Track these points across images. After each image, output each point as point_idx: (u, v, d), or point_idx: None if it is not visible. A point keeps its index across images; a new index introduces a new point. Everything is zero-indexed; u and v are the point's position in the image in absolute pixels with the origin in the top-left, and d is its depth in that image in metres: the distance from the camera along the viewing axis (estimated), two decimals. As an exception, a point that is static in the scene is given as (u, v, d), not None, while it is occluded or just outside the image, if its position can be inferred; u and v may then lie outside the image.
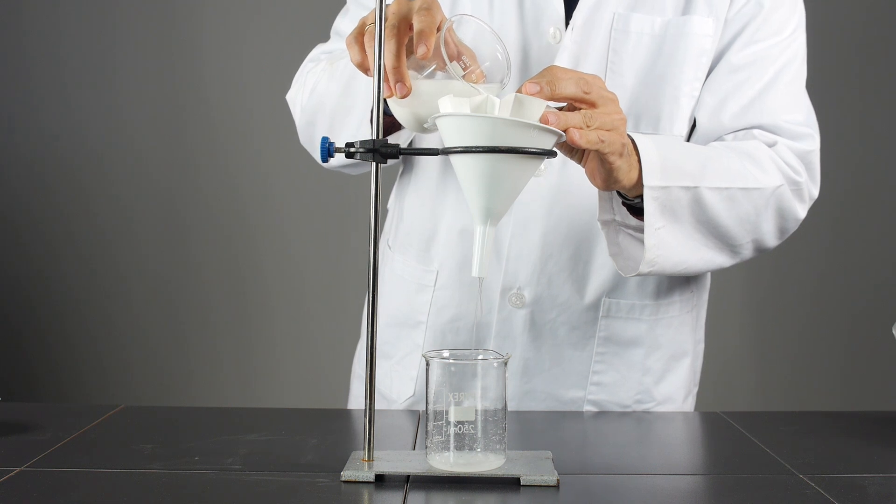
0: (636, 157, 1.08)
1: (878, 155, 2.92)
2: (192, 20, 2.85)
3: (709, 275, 1.39)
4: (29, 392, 2.86)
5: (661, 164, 1.09)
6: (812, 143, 1.25)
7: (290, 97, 1.35)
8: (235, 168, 2.86)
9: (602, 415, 1.28)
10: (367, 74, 1.05)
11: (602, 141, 0.97)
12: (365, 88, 1.18)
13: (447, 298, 1.31)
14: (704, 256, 1.18)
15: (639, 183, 1.08)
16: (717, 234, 1.17)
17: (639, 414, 1.30)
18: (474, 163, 0.91)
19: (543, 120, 0.91)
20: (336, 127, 1.24)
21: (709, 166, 1.15)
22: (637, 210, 1.14)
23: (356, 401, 1.43)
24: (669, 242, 1.13)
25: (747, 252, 1.22)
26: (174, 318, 2.89)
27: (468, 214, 1.26)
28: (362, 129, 1.20)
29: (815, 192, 1.26)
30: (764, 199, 1.18)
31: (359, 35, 1.02)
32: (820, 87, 2.94)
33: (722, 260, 1.21)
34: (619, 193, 1.14)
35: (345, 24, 1.35)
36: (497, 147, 0.90)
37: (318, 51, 1.38)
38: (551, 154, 0.93)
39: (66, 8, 2.82)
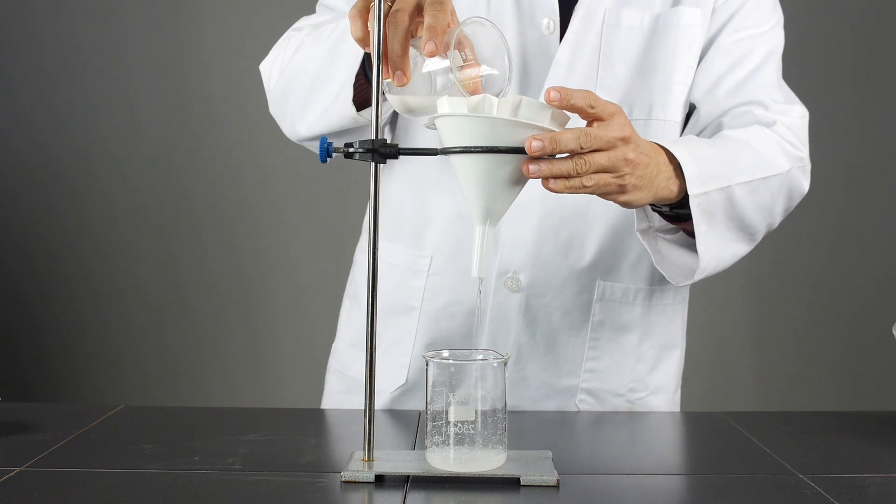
0: (671, 170, 1.09)
1: (878, 154, 2.92)
2: (195, 19, 2.84)
3: None
4: (29, 392, 2.86)
5: (699, 170, 1.11)
6: (801, 113, 1.29)
7: (266, 65, 1.32)
8: (237, 167, 2.86)
9: (602, 415, 1.28)
10: (366, 49, 1.05)
11: (585, 186, 0.97)
12: (351, 55, 1.16)
13: (441, 283, 1.30)
14: (734, 251, 1.21)
15: (673, 188, 1.10)
16: (742, 227, 1.20)
17: (639, 414, 1.30)
18: (474, 163, 0.92)
19: (528, 152, 0.90)
20: (315, 92, 1.22)
21: (734, 163, 1.17)
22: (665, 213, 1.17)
23: (332, 398, 1.41)
24: (710, 244, 1.16)
25: (760, 236, 1.24)
26: (174, 318, 2.89)
27: (461, 198, 1.27)
28: (342, 97, 1.18)
29: (809, 161, 1.30)
30: (778, 185, 1.21)
31: (363, 10, 1.01)
32: (819, 84, 2.96)
33: (744, 249, 1.23)
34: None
35: None
36: (496, 147, 0.90)
37: (303, 22, 1.35)
38: (552, 154, 0.93)
39: (69, 6, 2.82)
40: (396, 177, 1.34)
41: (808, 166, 1.27)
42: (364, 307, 1.36)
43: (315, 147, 1.30)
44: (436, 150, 0.95)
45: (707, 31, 1.28)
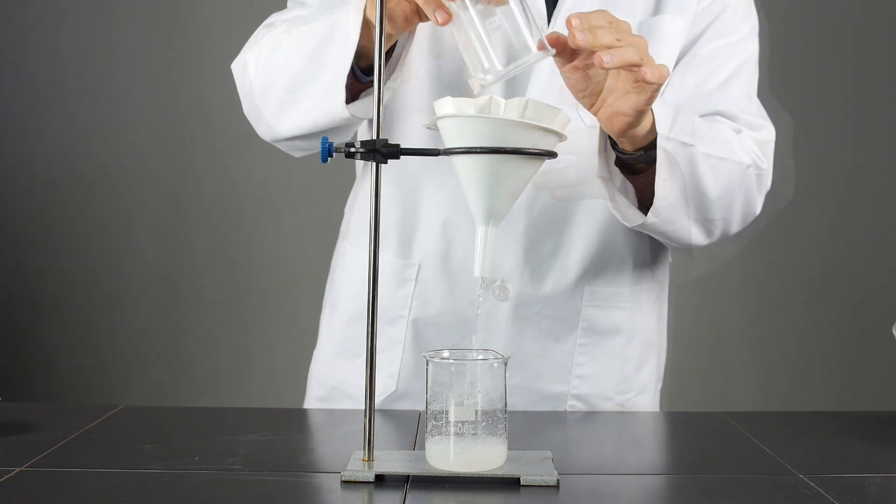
0: (651, 118, 1.11)
1: (878, 153, 2.92)
2: (192, 20, 2.85)
3: (667, 274, 1.42)
4: (29, 392, 2.86)
5: (671, 118, 1.13)
6: (768, 134, 1.30)
7: (239, 64, 1.28)
8: (234, 170, 2.85)
9: (602, 415, 1.28)
10: (421, 19, 1.07)
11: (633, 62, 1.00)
12: (340, 54, 1.15)
13: (430, 292, 1.30)
14: (686, 224, 1.21)
15: (648, 133, 1.12)
16: (699, 204, 1.20)
17: (637, 414, 1.30)
18: (479, 164, 0.91)
19: (567, 24, 0.96)
20: (298, 91, 1.20)
21: (700, 131, 1.18)
22: (628, 168, 1.19)
23: (313, 406, 1.40)
24: (669, 196, 1.16)
25: (717, 232, 1.25)
26: (174, 318, 2.89)
27: (449, 205, 1.28)
28: (330, 96, 1.16)
29: (769, 184, 1.30)
30: (739, 175, 1.22)
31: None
32: (819, 82, 2.95)
33: (696, 234, 1.24)
34: (614, 147, 1.17)
35: None
36: (503, 148, 0.90)
37: (275, 18, 1.32)
38: (552, 155, 0.93)
39: (66, 7, 2.82)
40: (386, 185, 1.33)
41: (766, 183, 1.28)
42: (342, 314, 1.36)
43: (289, 148, 1.29)
44: (437, 150, 0.95)
45: (686, 37, 1.29)
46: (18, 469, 0.95)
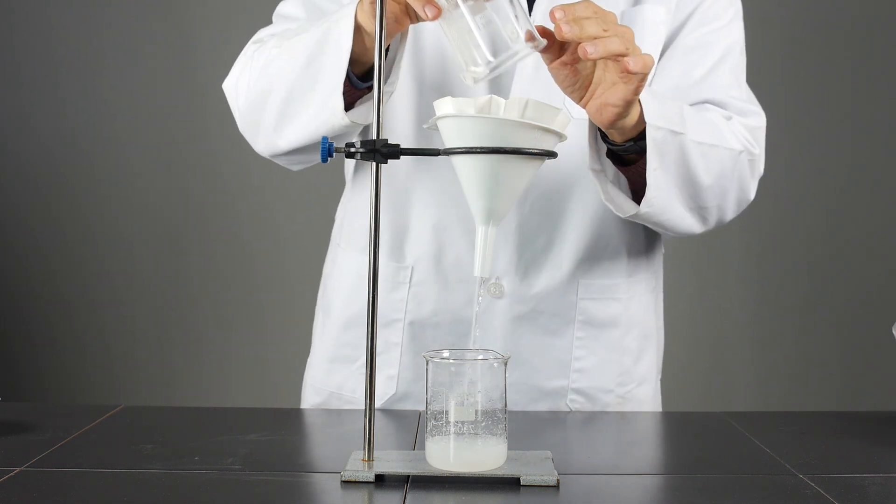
0: (639, 109, 1.11)
1: (878, 152, 2.92)
2: (188, 21, 2.84)
3: (661, 264, 1.42)
4: (29, 392, 2.86)
5: (658, 108, 1.12)
6: (759, 119, 1.29)
7: (231, 83, 1.27)
8: (227, 171, 2.85)
9: (600, 415, 1.28)
10: (411, 20, 1.05)
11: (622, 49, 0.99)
12: (330, 65, 1.14)
13: (424, 294, 1.30)
14: (681, 212, 1.21)
15: (637, 124, 1.11)
16: (692, 193, 1.20)
17: (637, 414, 1.30)
18: (477, 164, 0.91)
19: (551, 17, 0.95)
20: (294, 105, 1.20)
21: (690, 120, 1.18)
22: (619, 159, 1.18)
23: None
24: (661, 185, 1.16)
25: (712, 219, 1.25)
26: (173, 318, 2.89)
27: (439, 206, 1.27)
28: (329, 106, 1.16)
29: (762, 169, 1.29)
30: (731, 161, 1.22)
31: None
32: (820, 79, 2.95)
33: (691, 222, 1.23)
34: (604, 139, 1.16)
35: (288, 7, 1.32)
36: (501, 148, 0.90)
37: (264, 33, 1.31)
38: (552, 155, 0.93)
39: (57, 9, 2.82)
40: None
41: (758, 169, 1.27)
42: (336, 320, 1.36)
43: (288, 162, 1.29)
44: (437, 150, 0.95)
45: (669, 27, 1.28)
46: (18, 469, 0.95)
